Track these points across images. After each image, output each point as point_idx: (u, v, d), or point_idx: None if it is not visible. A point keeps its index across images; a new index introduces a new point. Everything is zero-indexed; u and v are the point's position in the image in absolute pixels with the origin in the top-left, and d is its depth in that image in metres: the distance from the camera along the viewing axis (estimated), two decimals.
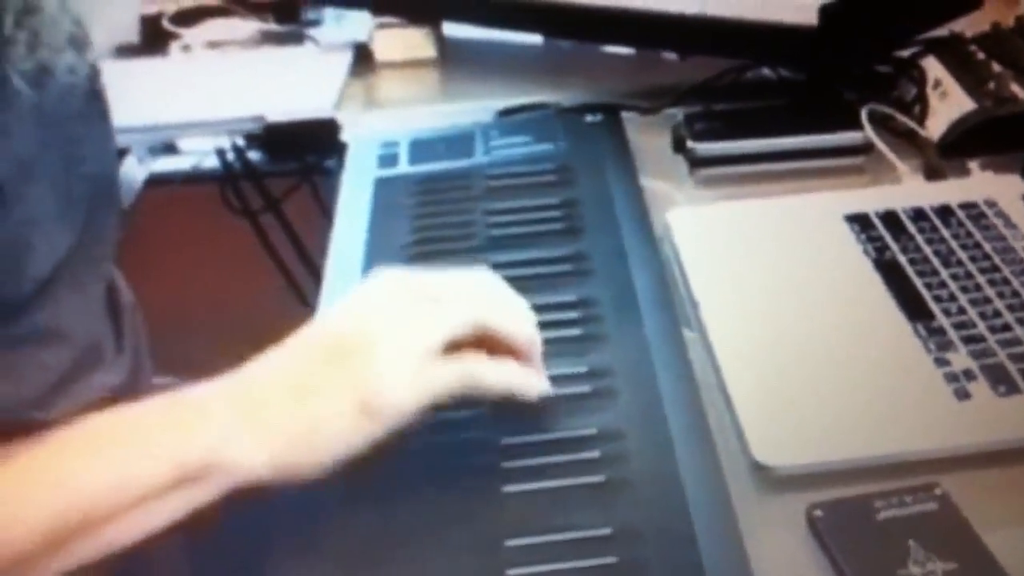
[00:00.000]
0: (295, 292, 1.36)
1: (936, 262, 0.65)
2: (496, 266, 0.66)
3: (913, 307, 0.61)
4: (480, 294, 0.54)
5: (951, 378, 0.55)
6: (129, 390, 0.62)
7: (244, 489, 0.48)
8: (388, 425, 0.49)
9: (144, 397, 0.50)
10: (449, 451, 0.53)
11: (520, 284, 0.63)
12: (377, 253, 0.69)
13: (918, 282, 0.63)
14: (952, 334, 0.58)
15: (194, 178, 1.27)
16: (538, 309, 0.60)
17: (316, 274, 1.02)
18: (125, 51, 1.08)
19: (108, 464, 0.47)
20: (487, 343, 0.52)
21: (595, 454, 0.51)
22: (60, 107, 0.53)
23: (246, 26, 1.11)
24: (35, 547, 0.45)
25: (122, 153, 1.12)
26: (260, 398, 0.49)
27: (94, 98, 0.58)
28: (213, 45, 1.09)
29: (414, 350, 0.50)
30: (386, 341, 0.50)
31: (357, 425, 0.49)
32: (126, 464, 0.47)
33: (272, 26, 1.11)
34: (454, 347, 0.51)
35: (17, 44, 0.48)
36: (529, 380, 0.53)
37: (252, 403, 0.49)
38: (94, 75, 0.56)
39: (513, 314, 0.54)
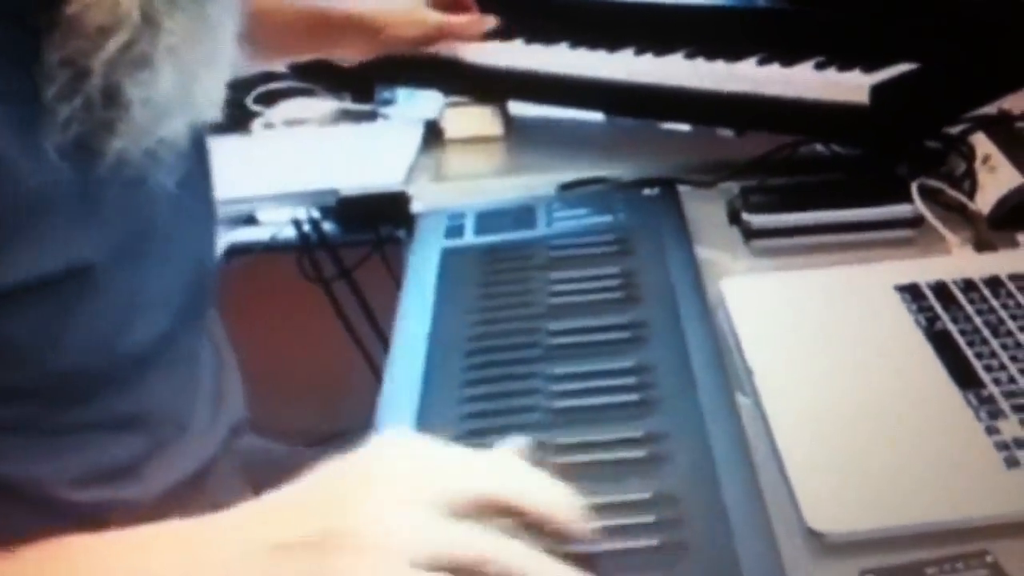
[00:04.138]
0: (364, 357, 1.40)
1: (986, 332, 0.65)
2: (556, 333, 0.68)
3: (963, 376, 0.61)
4: (496, 468, 0.45)
5: (1001, 446, 0.56)
6: (216, 463, 0.61)
7: None
8: None
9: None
10: None
11: (579, 351, 0.65)
12: (443, 319, 0.71)
13: (968, 351, 0.64)
14: (1002, 402, 0.59)
15: (272, 248, 1.32)
16: (595, 375, 0.63)
17: (384, 339, 1.05)
18: (209, 128, 1.15)
19: None
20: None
21: (649, 518, 0.52)
22: (140, 196, 0.52)
23: (324, 105, 1.14)
24: None
25: None
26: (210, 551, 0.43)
27: (188, 187, 0.57)
28: (293, 123, 1.13)
29: (401, 548, 0.41)
30: (372, 534, 0.41)
31: None
32: None
33: (349, 104, 1.14)
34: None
35: (56, 114, 0.46)
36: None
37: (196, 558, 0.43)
38: (182, 165, 0.55)
39: (539, 485, 0.44)
